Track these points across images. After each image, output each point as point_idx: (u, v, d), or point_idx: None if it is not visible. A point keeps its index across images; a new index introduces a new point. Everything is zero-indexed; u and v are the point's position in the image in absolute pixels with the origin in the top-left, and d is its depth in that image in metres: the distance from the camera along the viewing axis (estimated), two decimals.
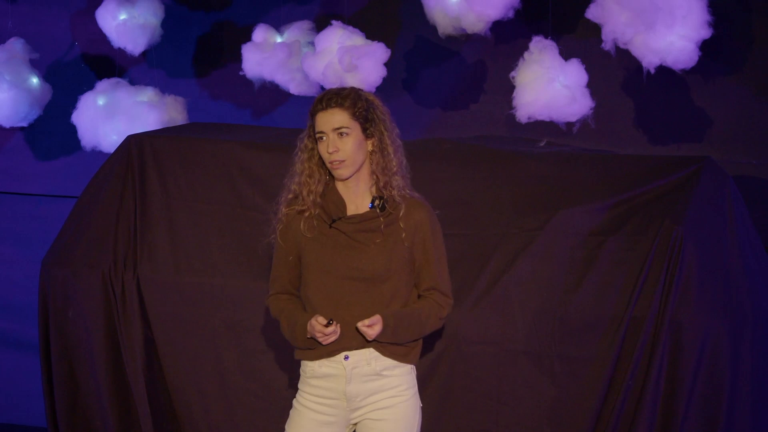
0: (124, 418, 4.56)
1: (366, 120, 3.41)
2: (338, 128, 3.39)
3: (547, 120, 5.02)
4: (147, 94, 5.82)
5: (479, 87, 5.67)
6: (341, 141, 3.39)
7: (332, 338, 3.34)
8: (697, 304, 4.02)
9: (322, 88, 5.49)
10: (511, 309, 4.20)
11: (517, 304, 4.20)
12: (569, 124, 5.03)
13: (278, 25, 5.69)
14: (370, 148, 3.43)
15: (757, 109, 5.22)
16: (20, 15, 6.28)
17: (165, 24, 5.90)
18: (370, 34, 5.43)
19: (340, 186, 3.48)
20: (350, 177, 3.43)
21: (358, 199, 3.46)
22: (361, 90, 3.49)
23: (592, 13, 4.89)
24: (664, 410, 4.04)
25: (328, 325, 3.32)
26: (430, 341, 4.24)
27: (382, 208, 3.41)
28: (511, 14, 5.10)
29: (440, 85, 5.74)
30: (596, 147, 5.03)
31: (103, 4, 5.83)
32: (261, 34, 5.61)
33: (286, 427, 3.52)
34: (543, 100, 4.96)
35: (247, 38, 5.63)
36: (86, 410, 4.62)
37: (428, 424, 4.22)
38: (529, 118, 5.03)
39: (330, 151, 3.39)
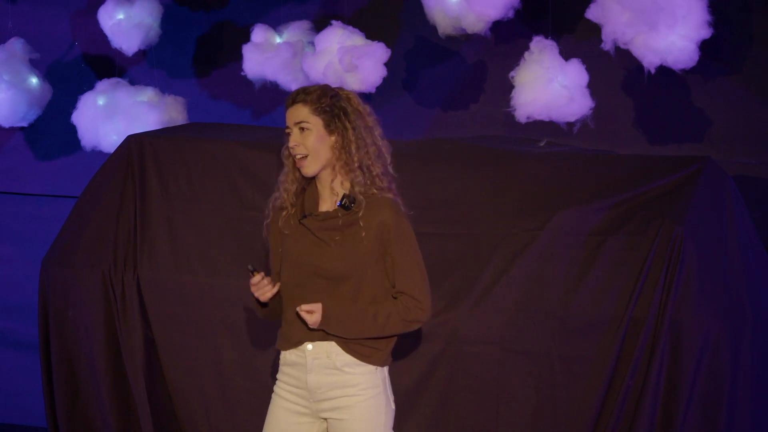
0: (124, 418, 4.56)
1: (330, 116, 3.41)
2: (299, 122, 3.42)
3: (546, 120, 5.02)
4: (147, 94, 5.82)
5: (479, 87, 5.67)
6: (302, 136, 3.42)
7: (264, 291, 3.40)
8: (697, 304, 4.02)
9: None
10: (511, 309, 4.20)
11: (517, 304, 4.20)
12: (569, 124, 5.03)
13: (278, 25, 5.69)
14: (331, 144, 3.43)
15: (757, 109, 5.22)
16: (20, 15, 6.28)
17: (165, 24, 5.90)
18: (370, 34, 5.43)
19: (317, 183, 3.50)
20: (317, 173, 3.44)
21: (332, 196, 3.48)
22: (338, 88, 3.50)
23: (592, 13, 4.89)
24: (664, 410, 4.04)
25: (253, 274, 3.38)
26: (430, 341, 4.24)
27: (348, 207, 3.42)
28: (511, 14, 5.10)
29: (440, 85, 5.74)
30: (596, 147, 5.03)
31: (104, 4, 5.84)
32: (260, 34, 5.60)
33: (267, 416, 3.58)
34: (541, 100, 4.95)
35: (247, 38, 5.63)
36: (86, 410, 4.62)
37: (428, 424, 4.23)
38: (528, 118, 5.03)
39: (291, 145, 3.43)
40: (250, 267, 3.41)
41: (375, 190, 3.42)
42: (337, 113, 3.41)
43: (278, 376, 3.55)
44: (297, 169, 3.47)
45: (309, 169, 3.43)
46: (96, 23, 5.90)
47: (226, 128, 5.10)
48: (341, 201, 3.42)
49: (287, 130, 3.45)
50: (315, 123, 3.41)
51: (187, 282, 4.52)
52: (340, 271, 3.40)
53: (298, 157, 3.42)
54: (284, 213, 3.51)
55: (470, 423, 4.22)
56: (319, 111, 3.41)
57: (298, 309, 3.38)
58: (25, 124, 6.08)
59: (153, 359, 4.54)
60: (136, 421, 4.55)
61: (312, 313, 3.38)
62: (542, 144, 4.76)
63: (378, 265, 3.43)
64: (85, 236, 4.62)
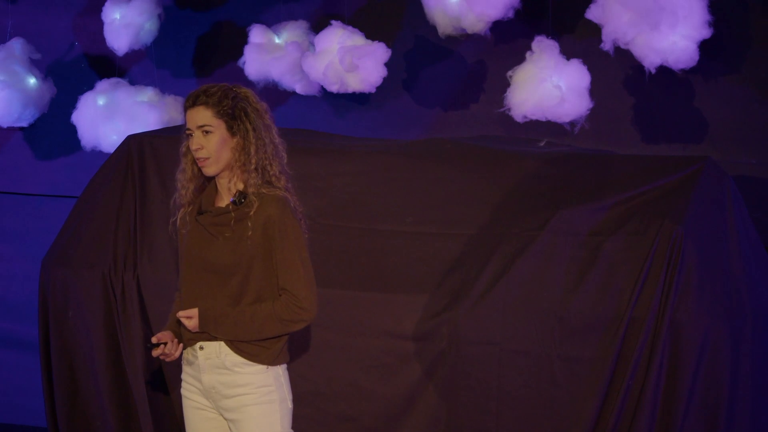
0: (124, 418, 4.56)
1: (232, 118, 3.43)
2: (202, 126, 3.43)
3: (543, 120, 5.02)
4: (147, 94, 5.82)
5: (479, 87, 5.67)
6: (205, 139, 3.43)
7: (171, 353, 3.47)
8: (697, 304, 4.02)
9: (323, 88, 5.50)
10: (511, 309, 4.20)
11: (517, 304, 4.19)
12: (571, 125, 5.03)
13: (276, 25, 5.69)
14: (233, 145, 3.45)
15: (757, 109, 5.22)
16: (20, 15, 6.28)
17: (165, 24, 5.91)
18: (370, 34, 5.43)
19: (217, 181, 3.53)
20: (218, 173, 3.47)
21: (229, 195, 3.50)
22: (235, 86, 3.51)
23: (592, 13, 4.89)
24: (664, 410, 4.04)
25: (151, 347, 3.47)
26: (430, 341, 4.23)
27: (239, 203, 3.44)
28: (511, 14, 5.10)
29: (440, 85, 5.74)
30: (596, 147, 5.03)
31: (106, 4, 5.85)
32: (259, 34, 5.60)
33: (185, 419, 3.63)
34: (533, 100, 4.95)
35: (247, 38, 5.64)
36: (86, 410, 4.62)
37: (428, 424, 4.22)
38: (523, 117, 5.03)
39: (194, 148, 3.46)
40: (148, 345, 3.51)
41: (264, 190, 3.44)
42: (238, 114, 3.44)
43: (182, 375, 3.60)
44: (194, 166, 3.50)
45: (210, 169, 3.46)
46: (96, 23, 5.91)
47: None
48: (234, 198, 3.46)
49: (188, 131, 3.47)
50: (218, 126, 3.43)
51: None
52: (226, 265, 3.43)
53: (201, 159, 3.45)
54: (182, 211, 3.56)
55: (470, 423, 4.22)
56: (221, 114, 3.43)
57: (177, 315, 3.47)
58: (24, 124, 6.08)
59: (153, 359, 4.54)
60: (136, 421, 4.54)
61: (190, 318, 3.44)
62: (542, 144, 4.76)
63: (265, 261, 3.45)
64: (85, 236, 4.62)
